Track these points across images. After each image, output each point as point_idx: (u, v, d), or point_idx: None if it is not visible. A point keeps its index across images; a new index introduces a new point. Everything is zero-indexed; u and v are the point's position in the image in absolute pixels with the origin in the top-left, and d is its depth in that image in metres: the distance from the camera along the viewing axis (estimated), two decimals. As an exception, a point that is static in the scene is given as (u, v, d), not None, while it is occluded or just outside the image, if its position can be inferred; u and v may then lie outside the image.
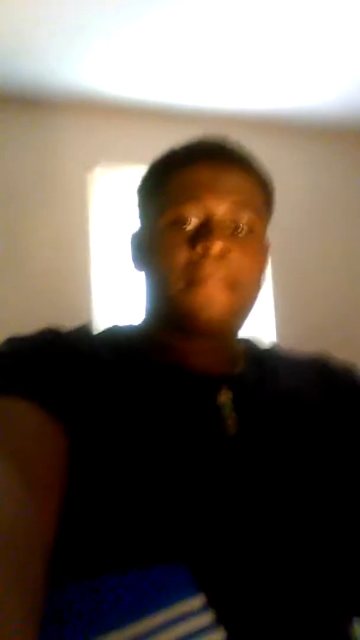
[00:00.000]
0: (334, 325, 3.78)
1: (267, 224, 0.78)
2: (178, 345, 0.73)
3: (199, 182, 0.71)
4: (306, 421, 0.73)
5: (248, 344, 0.82)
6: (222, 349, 0.76)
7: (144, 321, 0.79)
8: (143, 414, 0.65)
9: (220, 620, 0.50)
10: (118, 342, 0.75)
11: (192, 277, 0.68)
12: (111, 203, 3.34)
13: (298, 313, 3.67)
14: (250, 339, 0.84)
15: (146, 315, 0.79)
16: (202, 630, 0.45)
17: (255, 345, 0.83)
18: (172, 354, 0.73)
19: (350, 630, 0.67)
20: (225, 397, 0.69)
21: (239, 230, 0.71)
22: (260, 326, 3.51)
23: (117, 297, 3.26)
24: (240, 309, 0.72)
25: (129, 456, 0.61)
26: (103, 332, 0.79)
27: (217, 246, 0.67)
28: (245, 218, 0.71)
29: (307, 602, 0.62)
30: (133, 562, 0.54)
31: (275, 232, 0.88)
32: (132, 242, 0.82)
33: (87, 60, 2.92)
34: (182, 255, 0.69)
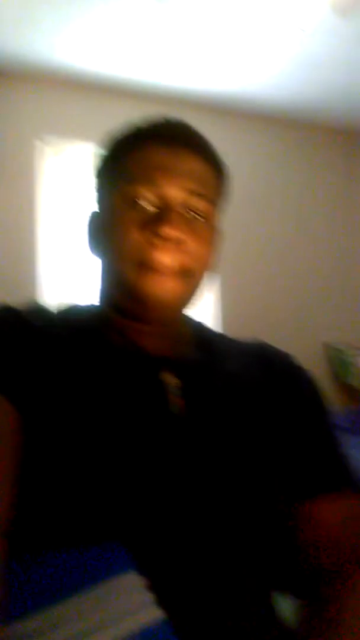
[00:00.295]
0: (274, 311, 3.88)
1: (220, 212, 0.77)
2: (129, 327, 0.73)
3: (156, 164, 0.69)
4: (248, 402, 0.75)
5: (196, 327, 0.83)
6: (172, 332, 0.76)
7: (99, 302, 0.79)
8: (92, 392, 0.65)
9: (158, 598, 0.51)
10: (75, 321, 0.75)
11: (144, 262, 0.68)
12: (60, 177, 3.30)
13: (240, 301, 3.73)
14: (199, 322, 0.85)
15: (100, 296, 0.78)
16: (140, 608, 0.45)
17: (203, 328, 0.84)
18: (123, 335, 0.73)
19: (272, 602, 0.70)
20: (172, 377, 0.70)
21: (193, 217, 0.70)
22: (203, 311, 3.56)
23: (65, 272, 3.23)
24: (190, 296, 0.73)
25: (75, 434, 0.61)
26: (62, 310, 0.79)
27: (170, 233, 0.66)
28: (199, 205, 0.70)
29: (237, 579, 0.63)
30: (77, 539, 0.55)
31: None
32: (88, 224, 0.80)
33: (42, 31, 2.89)
34: (135, 238, 0.68)
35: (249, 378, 0.78)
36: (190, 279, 0.70)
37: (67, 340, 0.70)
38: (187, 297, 0.72)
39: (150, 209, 0.69)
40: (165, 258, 0.67)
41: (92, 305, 0.80)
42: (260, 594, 0.68)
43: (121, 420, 0.64)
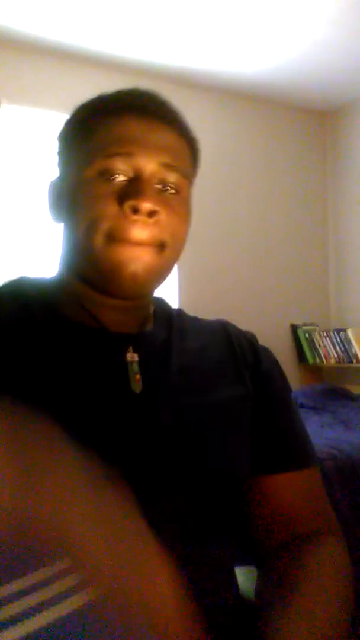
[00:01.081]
0: (239, 291, 3.89)
1: (192, 184, 0.77)
2: (93, 302, 0.72)
3: (130, 136, 0.68)
4: (207, 379, 0.75)
5: (158, 304, 0.83)
6: (137, 308, 0.75)
7: (58, 274, 0.76)
8: (51, 370, 0.64)
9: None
10: (26, 295, 0.73)
11: (116, 234, 0.67)
12: (16, 143, 3.23)
13: (202, 281, 3.73)
14: (160, 299, 0.84)
15: (62, 267, 0.76)
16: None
17: (165, 305, 0.84)
18: (85, 310, 0.72)
19: (233, 574, 0.72)
20: (133, 355, 0.70)
21: (166, 190, 0.70)
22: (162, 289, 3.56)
23: (19, 241, 3.15)
24: (163, 270, 0.72)
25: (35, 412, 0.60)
26: (8, 283, 0.76)
27: (146, 206, 0.66)
28: (173, 178, 0.70)
29: (198, 551, 0.64)
30: None
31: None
32: (51, 190, 0.78)
33: None
34: (109, 210, 0.67)
35: (209, 355, 0.78)
36: (163, 253, 0.70)
37: (21, 319, 0.68)
38: (159, 271, 0.71)
39: (124, 181, 0.68)
40: (139, 230, 0.67)
41: (44, 278, 0.78)
42: (221, 566, 0.69)
43: (83, 398, 0.64)
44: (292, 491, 0.76)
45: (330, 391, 3.67)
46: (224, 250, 3.89)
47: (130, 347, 0.70)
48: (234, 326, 0.87)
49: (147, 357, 0.71)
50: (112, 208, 0.67)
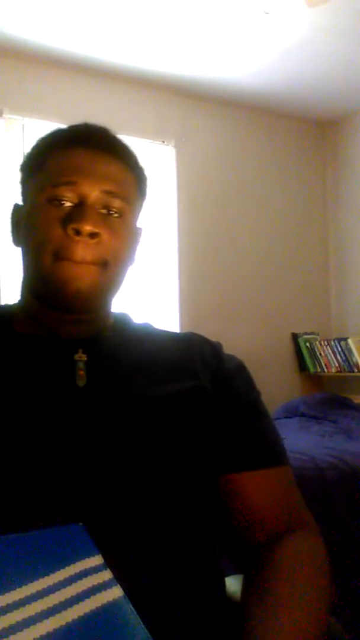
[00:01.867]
0: (240, 301, 3.91)
1: (138, 210, 0.86)
2: (47, 317, 0.79)
3: (76, 167, 0.77)
4: (159, 375, 0.79)
5: (119, 317, 0.89)
6: (90, 320, 0.81)
7: (20, 294, 0.85)
8: (4, 379, 0.72)
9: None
10: None
11: (62, 254, 0.75)
12: (17, 152, 3.25)
13: (204, 291, 3.75)
14: (124, 314, 0.90)
15: (22, 287, 0.85)
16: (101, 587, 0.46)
17: (126, 318, 0.90)
18: (41, 324, 0.80)
19: (222, 585, 0.75)
20: (81, 355, 0.76)
21: (110, 215, 0.78)
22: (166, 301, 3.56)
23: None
24: (106, 286, 0.79)
25: None
26: None
27: (87, 228, 0.73)
28: (116, 204, 0.78)
29: (165, 544, 0.67)
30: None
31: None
32: (12, 216, 0.87)
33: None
34: (55, 233, 0.75)
35: (163, 356, 0.82)
36: (105, 270, 0.77)
37: None
38: (102, 287, 0.78)
39: (70, 207, 0.76)
40: (82, 250, 0.74)
41: (14, 303, 0.87)
42: (207, 567, 0.71)
43: (28, 397, 0.70)
44: (263, 489, 0.78)
45: (331, 400, 3.67)
46: (224, 260, 3.91)
47: (80, 350, 0.76)
48: (200, 336, 0.91)
49: (96, 357, 0.76)
50: (57, 231, 0.75)
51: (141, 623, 0.45)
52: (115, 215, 0.78)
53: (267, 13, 2.51)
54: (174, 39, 3.17)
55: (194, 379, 0.80)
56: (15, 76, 3.29)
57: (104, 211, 0.77)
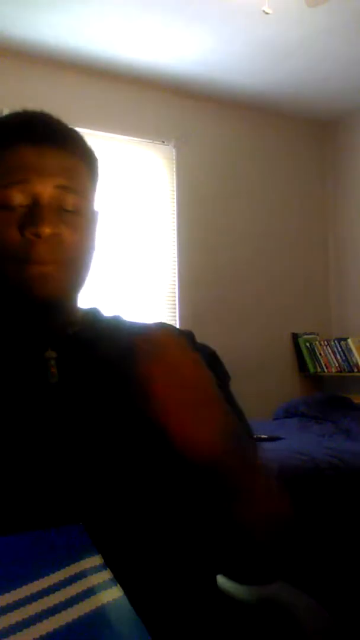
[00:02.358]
0: (240, 301, 3.91)
1: (93, 195, 0.81)
2: (13, 316, 0.77)
3: (25, 165, 0.72)
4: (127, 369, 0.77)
5: (89, 312, 0.87)
6: (57, 318, 0.79)
7: None
8: None
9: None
10: None
11: (24, 258, 0.71)
12: None
13: (203, 290, 3.75)
14: (94, 309, 0.88)
15: None
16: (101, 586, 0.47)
17: (95, 312, 0.88)
18: (6, 323, 0.77)
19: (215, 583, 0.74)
20: (50, 352, 0.75)
21: (65, 211, 0.74)
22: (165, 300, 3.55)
23: None
24: (74, 282, 0.77)
25: None
26: None
27: (45, 232, 0.70)
28: (70, 200, 0.74)
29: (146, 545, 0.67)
30: None
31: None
32: None
33: None
34: (12, 238, 0.71)
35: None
36: (70, 267, 0.75)
37: None
38: (69, 284, 0.76)
39: (23, 208, 0.72)
40: (42, 251, 0.71)
41: None
42: (205, 566, 0.71)
43: (5, 397, 0.70)
44: None
45: (331, 400, 3.67)
46: (224, 260, 3.91)
47: (49, 347, 0.75)
48: (171, 326, 0.90)
49: (66, 353, 0.75)
50: (14, 237, 0.71)
51: (141, 623, 0.46)
52: (72, 211, 0.74)
53: (267, 13, 2.51)
54: (174, 39, 3.16)
55: None
56: (15, 76, 3.29)
57: (59, 208, 0.74)
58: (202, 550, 0.72)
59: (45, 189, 0.72)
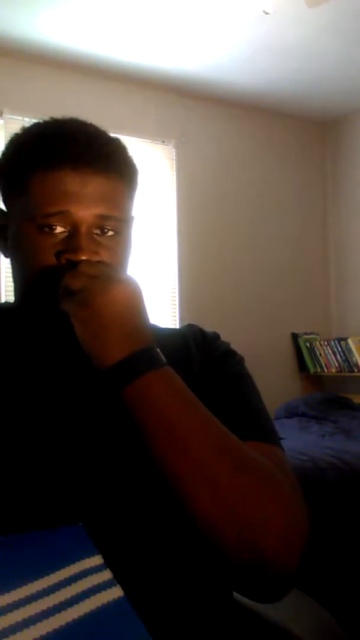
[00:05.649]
0: (240, 301, 3.91)
1: (131, 208, 0.80)
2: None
3: (66, 194, 0.71)
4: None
5: None
6: None
7: (15, 297, 0.81)
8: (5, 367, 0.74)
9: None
10: None
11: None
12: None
13: (202, 291, 3.75)
14: None
15: (16, 293, 0.80)
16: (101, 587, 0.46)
17: None
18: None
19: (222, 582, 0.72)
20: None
21: (105, 233, 0.74)
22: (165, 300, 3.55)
23: None
24: None
25: None
26: None
27: (83, 259, 0.70)
28: (110, 225, 0.74)
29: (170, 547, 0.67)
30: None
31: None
32: None
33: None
34: (51, 265, 0.71)
35: (161, 346, 0.80)
36: None
37: None
38: None
39: (62, 234, 0.71)
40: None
41: (8, 303, 0.85)
42: (207, 565, 0.69)
43: (32, 385, 0.72)
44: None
45: (331, 400, 3.67)
46: (224, 260, 3.91)
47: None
48: (198, 327, 0.90)
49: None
50: (51, 260, 0.71)
51: (141, 623, 0.46)
52: (111, 233, 0.74)
53: (267, 13, 2.51)
54: (174, 39, 3.16)
55: (187, 366, 0.79)
56: (15, 76, 3.29)
57: (98, 232, 0.73)
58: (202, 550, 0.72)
59: (86, 218, 0.71)
